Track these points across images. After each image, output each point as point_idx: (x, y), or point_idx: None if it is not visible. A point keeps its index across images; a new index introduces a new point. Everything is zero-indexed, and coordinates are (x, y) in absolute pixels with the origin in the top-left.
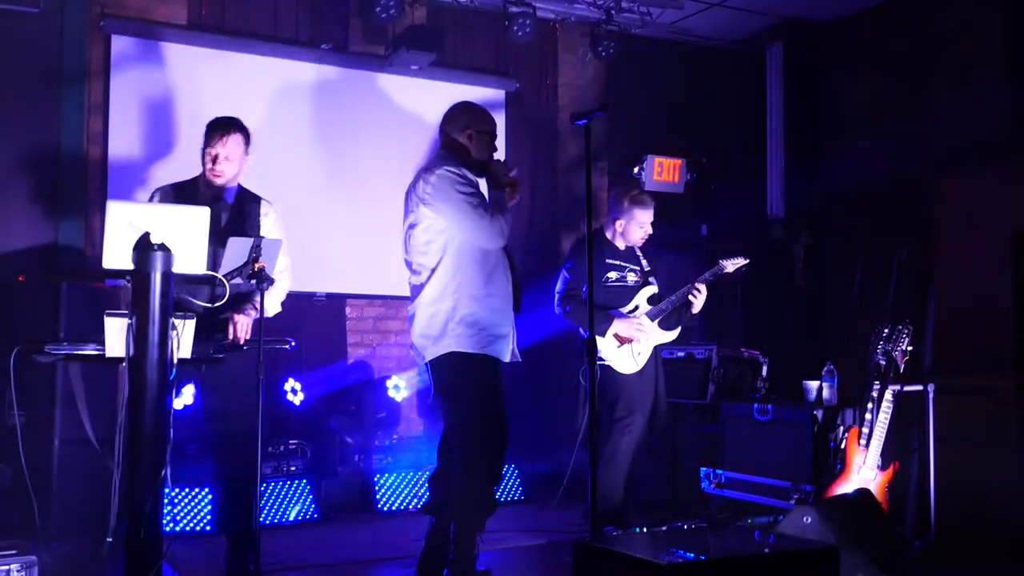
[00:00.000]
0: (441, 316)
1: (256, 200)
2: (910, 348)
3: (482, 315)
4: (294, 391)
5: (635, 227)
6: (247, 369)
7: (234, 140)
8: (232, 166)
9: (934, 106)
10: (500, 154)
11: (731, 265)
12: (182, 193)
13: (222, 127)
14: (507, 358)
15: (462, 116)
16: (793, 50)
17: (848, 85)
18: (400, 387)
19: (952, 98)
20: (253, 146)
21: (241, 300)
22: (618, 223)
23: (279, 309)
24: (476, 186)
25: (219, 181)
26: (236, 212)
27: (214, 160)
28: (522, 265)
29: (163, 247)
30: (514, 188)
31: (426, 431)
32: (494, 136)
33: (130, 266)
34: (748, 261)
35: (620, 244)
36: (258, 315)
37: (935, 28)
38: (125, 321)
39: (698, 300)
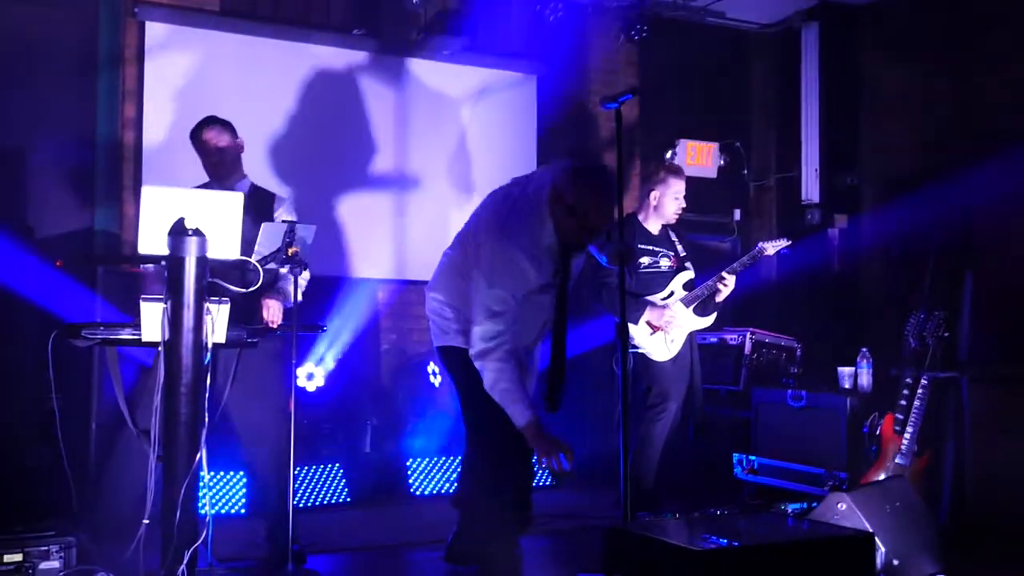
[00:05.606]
0: (451, 313)
1: (271, 197)
2: (946, 334)
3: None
4: (310, 376)
5: (671, 198)
6: (266, 355)
7: (217, 131)
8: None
9: (971, 89)
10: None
11: (771, 247)
12: None
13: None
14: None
15: (566, 180)
16: (828, 33)
17: (884, 68)
18: (438, 372)
19: (990, 81)
20: (286, 132)
21: (268, 285)
22: (652, 195)
23: (300, 298)
24: (519, 290)
25: (224, 171)
26: (251, 208)
27: (213, 153)
28: None
29: (198, 232)
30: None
31: (460, 416)
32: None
33: (165, 251)
34: (790, 243)
35: (654, 228)
36: (286, 299)
37: (972, 9)
38: (161, 306)
39: (725, 290)
